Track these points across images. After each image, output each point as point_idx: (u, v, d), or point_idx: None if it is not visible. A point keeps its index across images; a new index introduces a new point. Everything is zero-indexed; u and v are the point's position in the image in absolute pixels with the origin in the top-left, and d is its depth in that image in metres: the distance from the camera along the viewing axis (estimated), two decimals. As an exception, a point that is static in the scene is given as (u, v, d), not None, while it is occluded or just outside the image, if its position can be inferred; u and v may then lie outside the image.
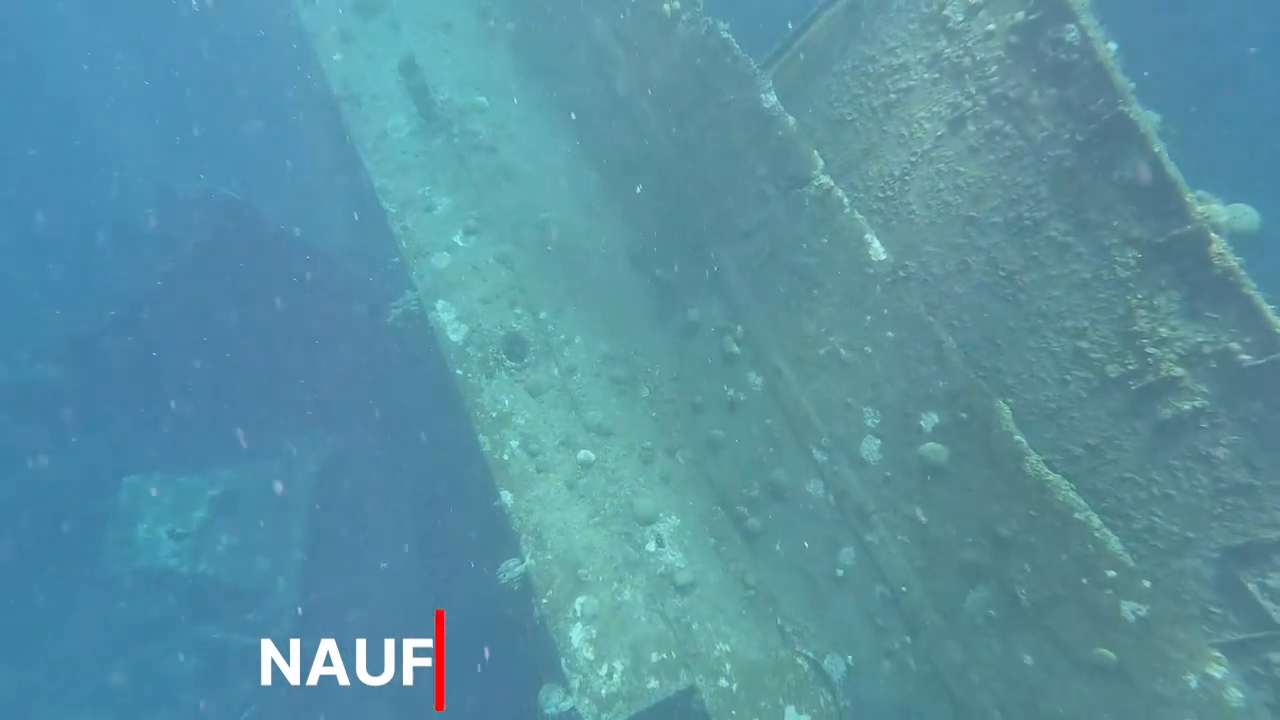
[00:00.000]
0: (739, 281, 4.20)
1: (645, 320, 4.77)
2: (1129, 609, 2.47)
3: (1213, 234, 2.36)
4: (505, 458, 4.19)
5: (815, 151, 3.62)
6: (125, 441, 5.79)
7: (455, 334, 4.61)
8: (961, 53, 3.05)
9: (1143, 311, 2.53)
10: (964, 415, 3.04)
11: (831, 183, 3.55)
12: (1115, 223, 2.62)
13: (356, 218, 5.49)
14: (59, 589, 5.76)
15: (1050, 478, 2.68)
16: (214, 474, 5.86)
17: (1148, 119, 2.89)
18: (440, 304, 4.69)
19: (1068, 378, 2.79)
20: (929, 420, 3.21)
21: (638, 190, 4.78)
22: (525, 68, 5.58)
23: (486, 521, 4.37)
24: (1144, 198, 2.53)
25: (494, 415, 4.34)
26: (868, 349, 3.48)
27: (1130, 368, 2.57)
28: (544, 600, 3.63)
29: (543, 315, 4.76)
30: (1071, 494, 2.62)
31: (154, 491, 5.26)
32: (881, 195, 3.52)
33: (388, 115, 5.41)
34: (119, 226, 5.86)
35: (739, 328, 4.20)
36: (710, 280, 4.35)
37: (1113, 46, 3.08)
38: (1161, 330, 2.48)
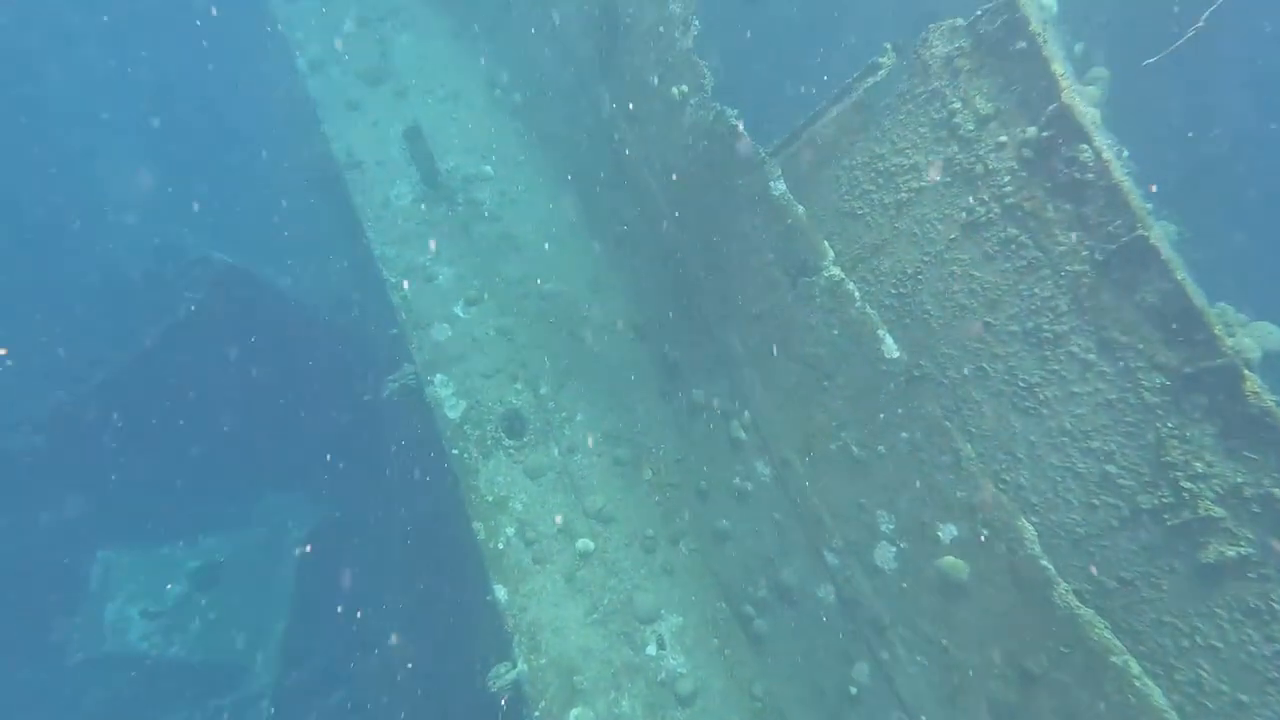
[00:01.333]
0: (746, 364, 4.10)
1: (649, 398, 4.65)
2: (1177, 772, 2.27)
3: (1246, 371, 2.26)
4: (500, 546, 4.00)
5: (825, 242, 3.56)
6: (104, 512, 5.57)
7: (453, 410, 4.47)
8: (973, 159, 3.02)
9: (1174, 442, 2.41)
10: (985, 531, 2.89)
11: (842, 274, 3.48)
12: (1140, 345, 2.53)
13: (357, 291, 5.43)
14: (19, 676, 5.43)
15: (1082, 612, 2.52)
16: (197, 543, 5.61)
17: (1164, 230, 2.83)
18: (439, 378, 4.57)
19: (1095, 502, 2.66)
20: (947, 532, 3.05)
21: (643, 265, 4.73)
22: (531, 138, 5.61)
23: (478, 605, 4.15)
24: (1170, 323, 2.45)
25: (490, 499, 4.16)
26: (881, 449, 3.35)
27: (1164, 500, 2.44)
28: (535, 714, 3.40)
29: (543, 391, 4.64)
30: (1106, 633, 2.45)
31: (127, 566, 5.01)
32: (894, 291, 3.45)
33: (392, 183, 5.39)
34: (111, 289, 5.78)
35: (746, 412, 4.08)
36: (716, 361, 4.25)
37: (1125, 154, 3.05)
38: (1196, 465, 2.36)
